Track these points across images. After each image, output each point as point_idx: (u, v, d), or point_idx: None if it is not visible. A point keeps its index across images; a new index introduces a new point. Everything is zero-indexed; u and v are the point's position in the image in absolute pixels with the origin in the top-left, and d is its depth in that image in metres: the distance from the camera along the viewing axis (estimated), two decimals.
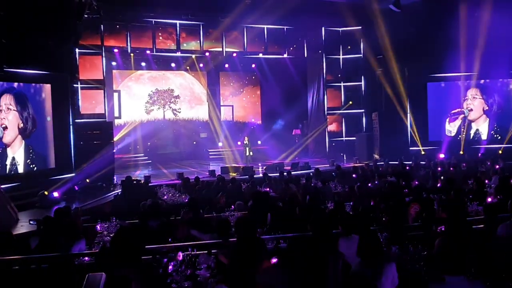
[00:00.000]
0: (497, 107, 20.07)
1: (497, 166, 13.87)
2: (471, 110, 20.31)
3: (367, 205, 8.11)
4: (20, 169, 13.75)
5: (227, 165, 18.61)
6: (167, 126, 23.59)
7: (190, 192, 11.65)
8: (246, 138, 20.68)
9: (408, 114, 20.53)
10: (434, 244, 5.00)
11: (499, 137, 19.64)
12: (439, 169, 13.81)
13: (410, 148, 20.27)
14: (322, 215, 6.11)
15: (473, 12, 17.90)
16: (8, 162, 13.39)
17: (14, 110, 13.46)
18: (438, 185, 10.77)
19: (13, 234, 6.46)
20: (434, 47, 18.90)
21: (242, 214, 7.88)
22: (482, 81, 20.18)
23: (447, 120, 20.52)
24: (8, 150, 13.40)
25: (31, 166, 14.09)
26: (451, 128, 20.49)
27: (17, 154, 13.66)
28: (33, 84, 14.30)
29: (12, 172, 13.44)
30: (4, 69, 12.98)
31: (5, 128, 13.20)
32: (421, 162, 16.15)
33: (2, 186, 10.77)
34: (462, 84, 20.34)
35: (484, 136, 20.20)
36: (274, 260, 4.73)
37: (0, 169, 13.08)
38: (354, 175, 13.67)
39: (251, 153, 20.29)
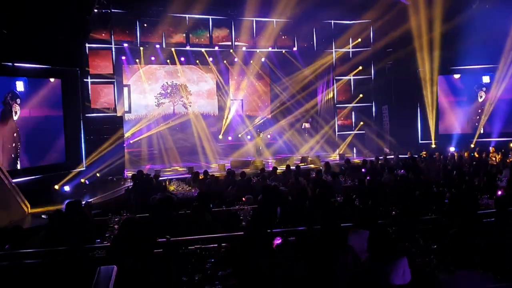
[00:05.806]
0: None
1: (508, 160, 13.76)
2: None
3: (377, 199, 8.06)
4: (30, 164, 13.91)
5: (237, 159, 18.62)
6: (177, 120, 23.60)
7: (200, 186, 11.66)
8: (256, 132, 20.63)
9: (418, 108, 20.39)
10: (444, 237, 4.97)
11: None
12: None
13: (420, 142, 20.17)
14: (331, 209, 6.10)
15: (481, 6, 17.74)
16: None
17: None
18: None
19: (22, 227, 6.52)
20: (444, 40, 18.72)
21: (252, 208, 7.88)
22: (491, 75, 19.98)
23: None
24: None
25: (41, 161, 14.25)
26: None
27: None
28: (43, 79, 14.40)
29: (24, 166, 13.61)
30: (15, 64, 13.08)
31: None
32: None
33: (14, 180, 10.87)
34: (473, 77, 20.17)
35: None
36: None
37: (13, 164, 13.25)
38: (363, 169, 13.56)
39: (261, 147, 20.27)
